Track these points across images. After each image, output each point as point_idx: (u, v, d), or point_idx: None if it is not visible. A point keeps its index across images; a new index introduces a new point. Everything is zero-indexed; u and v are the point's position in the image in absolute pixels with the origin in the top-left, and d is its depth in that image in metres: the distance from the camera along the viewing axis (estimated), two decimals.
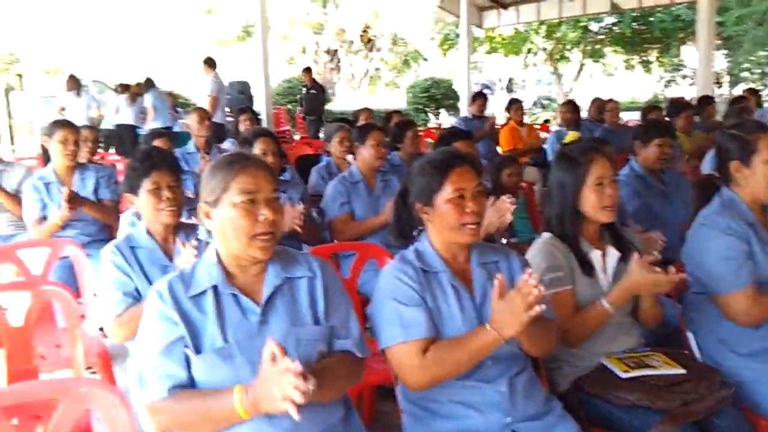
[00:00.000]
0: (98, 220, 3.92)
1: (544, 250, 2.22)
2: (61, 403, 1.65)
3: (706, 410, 1.98)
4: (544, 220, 2.37)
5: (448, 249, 1.94)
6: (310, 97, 11.72)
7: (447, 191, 1.87)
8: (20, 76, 15.19)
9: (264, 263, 1.70)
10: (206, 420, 1.53)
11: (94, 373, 2.96)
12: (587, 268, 2.21)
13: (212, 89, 9.26)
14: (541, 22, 16.96)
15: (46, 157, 4.47)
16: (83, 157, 4.45)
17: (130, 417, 1.68)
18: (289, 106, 14.65)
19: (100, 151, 6.45)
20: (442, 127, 13.55)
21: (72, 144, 3.88)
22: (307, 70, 12.27)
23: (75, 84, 10.08)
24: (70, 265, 3.30)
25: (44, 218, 3.76)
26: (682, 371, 2.08)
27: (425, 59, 23.07)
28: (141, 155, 2.49)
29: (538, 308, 1.62)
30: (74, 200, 3.60)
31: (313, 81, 11.93)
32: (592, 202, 2.19)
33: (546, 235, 2.28)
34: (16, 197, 4.13)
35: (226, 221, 1.62)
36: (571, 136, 5.94)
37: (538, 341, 1.87)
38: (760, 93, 12.59)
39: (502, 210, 2.64)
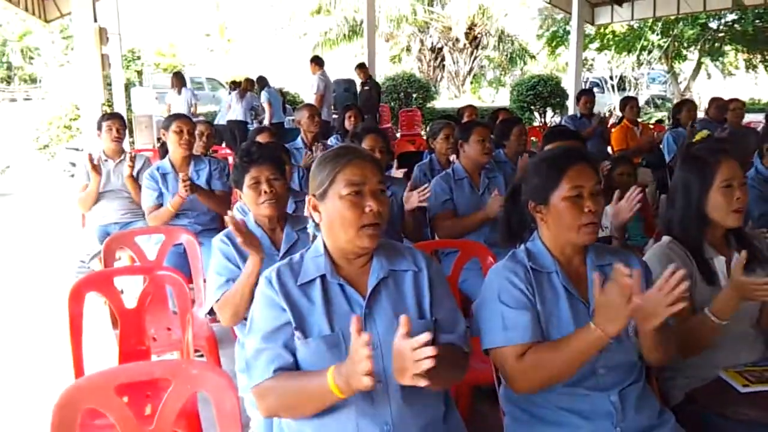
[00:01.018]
0: (210, 210, 4.08)
1: (661, 255, 2.10)
2: (172, 383, 1.71)
3: None
4: (664, 222, 2.23)
5: (562, 250, 1.86)
6: (364, 94, 11.01)
7: (564, 189, 1.80)
8: (139, 72, 16.11)
9: (369, 256, 1.70)
10: (307, 400, 1.54)
11: (201, 356, 3.08)
12: (710, 275, 2.06)
13: (319, 87, 9.51)
14: (657, 19, 16.20)
15: (163, 150, 4.70)
16: (198, 150, 4.64)
17: (236, 399, 1.72)
18: (393, 104, 14.73)
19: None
20: (547, 125, 13.24)
21: (187, 134, 4.07)
22: (361, 66, 11.40)
23: (177, 82, 10.65)
24: (183, 252, 3.45)
25: (160, 206, 3.95)
26: None
27: (532, 56, 22.61)
28: (242, 152, 2.58)
29: (680, 304, 1.53)
30: (192, 186, 3.77)
31: (368, 77, 11.26)
32: (720, 205, 2.05)
33: (665, 239, 2.15)
34: (138, 185, 4.38)
35: (333, 213, 1.64)
36: (701, 134, 5.61)
37: (661, 347, 1.75)
38: None
39: (629, 206, 2.63)
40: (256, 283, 1.98)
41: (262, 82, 11.10)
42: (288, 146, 4.77)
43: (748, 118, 11.01)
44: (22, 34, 32.34)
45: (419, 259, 1.75)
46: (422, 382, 1.35)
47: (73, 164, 7.04)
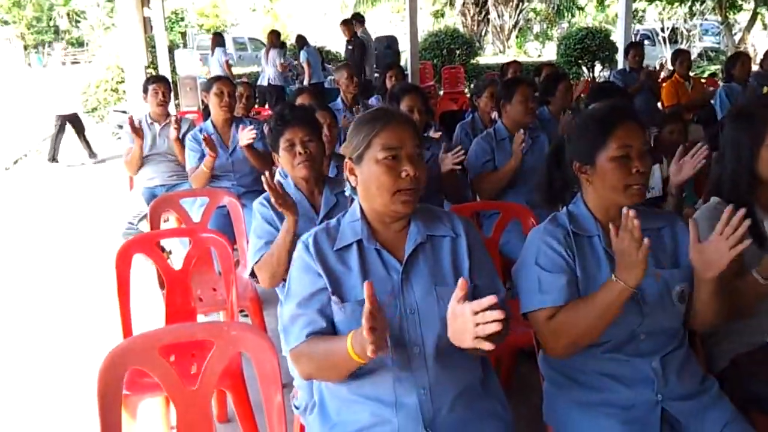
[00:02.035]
0: (252, 171, 4.11)
1: (710, 217, 2.02)
2: (214, 344, 1.75)
3: None
4: (713, 183, 2.15)
5: (606, 212, 1.82)
6: (348, 53, 10.35)
7: (611, 149, 1.74)
8: (183, 34, 16.19)
9: (407, 220, 1.69)
10: (334, 364, 1.54)
11: (246, 315, 3.14)
12: (760, 237, 1.99)
13: (356, 49, 9.40)
14: None
15: (206, 112, 4.75)
16: (239, 111, 4.67)
17: (276, 361, 1.76)
18: (435, 61, 14.49)
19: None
20: (596, 80, 12.86)
21: (227, 96, 4.09)
22: (346, 23, 10.60)
23: (213, 42, 10.63)
24: (227, 214, 3.50)
25: None
26: None
27: (580, 8, 21.91)
28: (276, 115, 2.58)
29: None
30: (212, 145, 3.82)
31: (354, 35, 10.46)
32: None
33: (714, 199, 2.07)
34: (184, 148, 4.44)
35: (369, 177, 1.62)
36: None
37: (716, 302, 1.72)
38: None
39: (693, 162, 2.55)
40: (293, 245, 2.01)
41: (301, 41, 11.01)
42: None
43: None
44: None
45: (457, 225, 1.73)
46: (486, 345, 1.33)
47: (120, 127, 7.17)
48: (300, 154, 2.46)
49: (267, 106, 9.70)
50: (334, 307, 1.61)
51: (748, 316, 1.94)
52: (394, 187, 1.59)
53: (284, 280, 1.86)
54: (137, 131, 4.48)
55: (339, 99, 5.07)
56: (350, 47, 10.10)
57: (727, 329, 2.00)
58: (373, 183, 1.62)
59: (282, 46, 10.72)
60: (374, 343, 1.32)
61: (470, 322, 1.33)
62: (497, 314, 1.30)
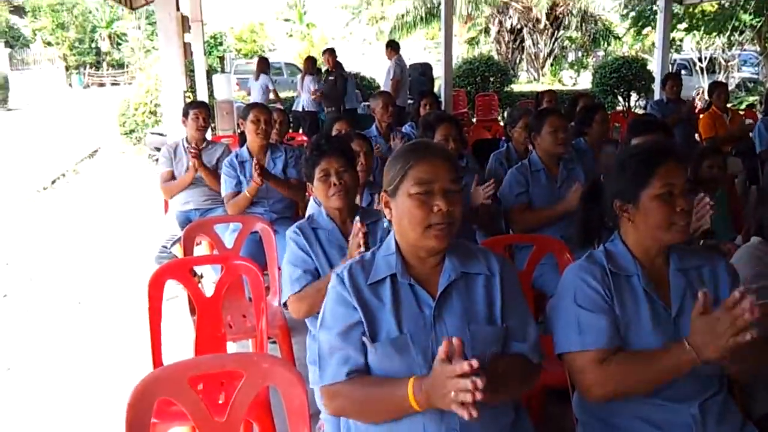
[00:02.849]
0: (285, 198, 4.15)
1: (752, 256, 1.98)
2: (244, 376, 1.74)
3: None
4: (756, 222, 2.09)
5: (646, 251, 1.78)
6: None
7: (655, 187, 1.71)
8: (221, 58, 16.51)
9: (442, 256, 1.67)
10: (381, 408, 1.54)
11: (274, 343, 3.14)
12: None
13: (395, 72, 9.45)
14: None
15: (242, 138, 4.81)
16: (273, 137, 4.71)
17: (305, 396, 1.74)
18: (469, 88, 14.52)
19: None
20: (633, 111, 12.74)
21: (264, 124, 4.14)
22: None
23: (258, 67, 10.76)
24: (259, 240, 3.52)
25: (238, 193, 4.04)
26: None
27: (617, 37, 21.80)
28: (313, 145, 2.60)
29: (749, 335, 1.40)
30: (264, 173, 3.82)
31: (336, 65, 10.16)
32: None
33: (755, 239, 2.03)
34: (215, 173, 4.49)
35: (402, 211, 1.62)
36: None
37: (747, 365, 1.66)
38: None
39: (700, 213, 2.39)
40: None
41: (337, 67, 11.13)
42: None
43: None
44: (109, 20, 33.77)
45: (493, 263, 1.70)
46: (465, 414, 1.29)
47: (158, 149, 7.29)
48: (335, 184, 2.47)
49: (301, 132, 9.79)
50: (367, 345, 1.59)
51: None
52: (425, 221, 1.57)
53: (317, 312, 1.85)
54: (201, 164, 4.46)
55: (374, 126, 5.09)
56: (331, 78, 9.95)
57: (765, 377, 1.93)
58: (405, 216, 1.61)
59: (317, 72, 10.83)
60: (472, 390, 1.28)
61: (450, 386, 1.31)
62: (470, 384, 1.27)
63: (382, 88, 9.73)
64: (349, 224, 2.50)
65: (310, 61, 10.89)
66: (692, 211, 1.73)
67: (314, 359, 2.32)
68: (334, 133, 4.21)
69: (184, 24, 6.76)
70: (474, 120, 11.56)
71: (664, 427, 1.70)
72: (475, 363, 1.29)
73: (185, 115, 4.79)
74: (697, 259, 1.82)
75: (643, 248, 1.78)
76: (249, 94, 11.14)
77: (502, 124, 8.63)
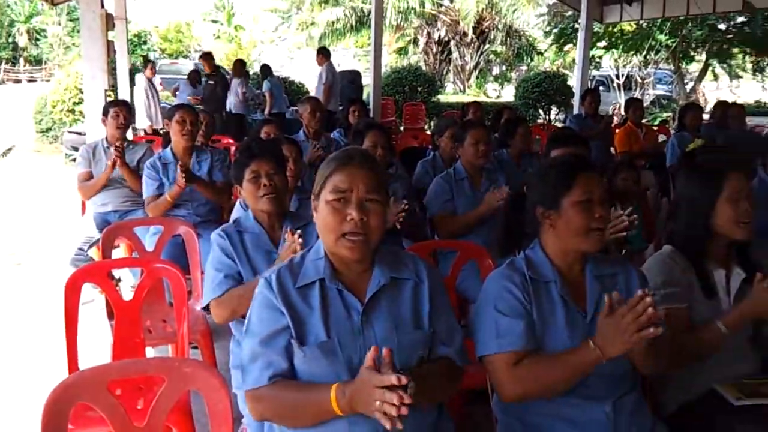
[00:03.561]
0: (210, 201, 4.07)
1: (662, 264, 2.09)
2: (165, 381, 1.71)
3: None
4: (668, 233, 2.22)
5: (564, 258, 1.86)
6: (208, 88, 9.93)
7: (576, 194, 1.80)
8: (145, 57, 16.04)
9: (370, 261, 1.68)
10: (303, 412, 1.54)
11: (195, 348, 3.07)
12: (709, 287, 2.05)
13: (327, 78, 9.44)
14: (666, 19, 16.11)
15: (166, 140, 4.69)
16: (199, 139, 4.63)
17: (229, 400, 1.72)
18: (397, 97, 14.68)
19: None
20: (553, 124, 13.18)
21: (189, 125, 4.05)
22: (206, 56, 10.29)
23: (234, 70, 10.51)
24: (181, 243, 3.44)
25: (160, 196, 3.93)
26: None
27: (539, 53, 22.51)
28: (243, 147, 2.58)
29: (651, 329, 1.51)
30: (189, 176, 3.75)
31: (215, 69, 10.08)
32: (728, 218, 2.03)
33: (667, 248, 2.14)
34: (136, 174, 4.36)
35: (320, 217, 1.63)
36: (695, 143, 5.59)
37: (653, 361, 1.76)
38: None
39: (620, 226, 2.53)
40: None
41: (265, 70, 11.05)
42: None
43: (754, 121, 10.97)
44: (28, 15, 32.32)
45: (421, 269, 1.73)
46: (388, 425, 1.33)
47: (75, 148, 7.03)
48: (265, 186, 2.45)
49: (227, 135, 9.65)
50: (294, 349, 1.59)
51: (698, 362, 2.00)
52: (339, 230, 1.59)
53: (242, 316, 1.83)
54: (123, 163, 4.30)
55: (301, 131, 5.07)
56: (211, 82, 9.81)
57: (675, 376, 2.04)
58: (322, 223, 1.62)
59: (246, 75, 10.71)
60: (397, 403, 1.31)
61: (376, 395, 1.34)
62: (396, 398, 1.30)
63: (313, 94, 9.70)
64: (277, 229, 2.49)
65: (239, 63, 10.76)
66: (609, 220, 1.82)
67: (238, 364, 2.31)
68: (261, 136, 4.17)
69: (108, 22, 6.57)
70: (402, 128, 11.68)
71: (580, 425, 1.77)
72: (403, 379, 1.31)
73: (105, 113, 4.64)
74: (612, 266, 1.91)
75: (562, 255, 1.86)
76: (174, 94, 10.85)
77: (429, 133, 8.75)
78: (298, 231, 2.19)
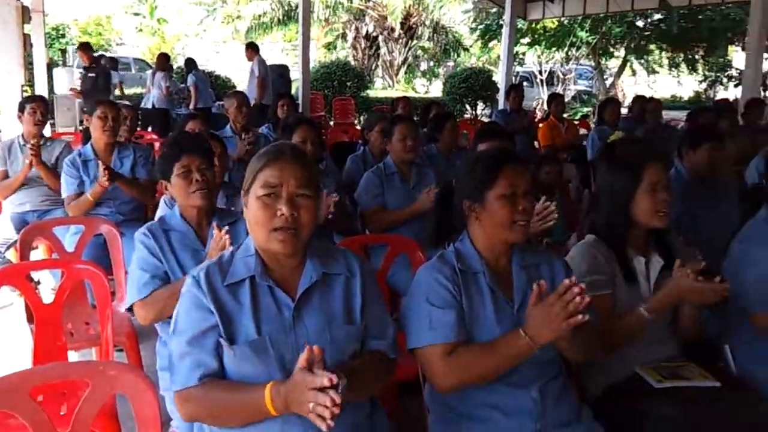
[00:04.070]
0: (133, 199, 3.95)
1: (585, 253, 2.16)
2: (90, 385, 1.66)
3: (741, 425, 1.93)
4: (589, 223, 2.30)
5: (491, 249, 1.90)
6: (89, 80, 9.37)
7: (500, 187, 1.83)
8: (63, 51, 15.40)
9: (302, 257, 1.67)
10: (236, 412, 1.52)
11: (120, 350, 2.99)
12: (630, 275, 2.15)
13: (260, 71, 9.29)
14: (587, 16, 16.66)
15: (86, 135, 4.52)
16: (122, 135, 4.49)
17: (157, 403, 1.68)
18: (326, 92, 14.63)
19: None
20: (479, 119, 13.43)
21: (111, 121, 3.92)
22: (83, 47, 9.75)
23: (158, 63, 10.18)
24: (104, 243, 3.33)
25: (81, 194, 3.79)
26: (717, 384, 2.03)
27: (465, 49, 22.86)
28: (171, 141, 2.51)
29: (579, 317, 1.56)
30: (112, 174, 3.63)
31: (94, 60, 9.57)
32: (646, 208, 2.13)
33: (590, 237, 2.22)
34: (54, 172, 4.19)
35: (250, 213, 1.61)
36: (615, 135, 5.81)
37: (580, 347, 1.82)
38: None
39: (545, 215, 2.60)
40: None
41: (190, 64, 10.81)
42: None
43: (671, 115, 11.49)
44: None
45: (352, 263, 1.73)
46: (322, 426, 1.33)
47: None
48: (197, 181, 2.37)
49: (150, 130, 9.38)
50: (224, 348, 1.56)
51: (622, 347, 2.07)
52: (269, 225, 1.57)
53: (169, 317, 1.79)
54: (37, 155, 4.11)
55: (228, 127, 4.98)
56: (92, 74, 9.40)
57: (599, 361, 2.11)
58: (252, 219, 1.60)
59: (170, 69, 10.45)
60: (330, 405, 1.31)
61: (310, 396, 1.34)
62: (329, 400, 1.31)
63: (244, 88, 9.55)
64: (205, 227, 2.43)
65: (163, 57, 10.49)
66: (533, 212, 1.88)
67: (165, 365, 2.26)
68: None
69: (24, 14, 6.30)
70: (332, 123, 11.66)
71: (508, 411, 1.82)
72: (335, 378, 1.32)
73: (21, 110, 4.43)
74: (537, 257, 1.97)
75: (489, 247, 1.90)
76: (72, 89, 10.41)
77: (359, 127, 8.77)
78: (226, 227, 2.16)
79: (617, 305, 2.11)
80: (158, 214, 2.95)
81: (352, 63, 18.96)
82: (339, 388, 1.33)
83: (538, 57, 19.62)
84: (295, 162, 1.61)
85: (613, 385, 2.13)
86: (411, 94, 18.11)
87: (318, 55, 21.79)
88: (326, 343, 1.55)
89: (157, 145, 5.84)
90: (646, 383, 2.05)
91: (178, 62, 14.94)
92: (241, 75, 12.79)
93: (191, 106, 10.08)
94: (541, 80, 18.88)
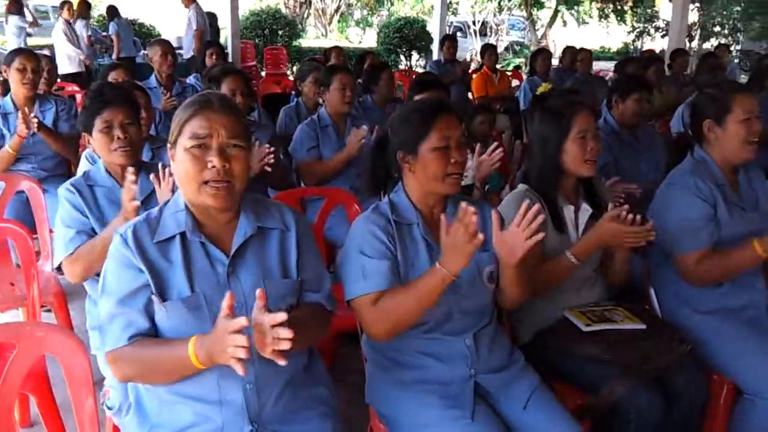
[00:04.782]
0: (56, 154, 3.78)
1: (517, 201, 2.19)
2: (17, 347, 1.61)
3: (664, 366, 2.03)
4: (522, 173, 2.34)
5: (425, 201, 1.91)
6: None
7: (433, 140, 1.83)
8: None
9: (236, 211, 1.63)
10: (164, 369, 1.50)
11: (48, 311, 2.90)
12: (559, 222, 2.20)
13: (198, 22, 8.90)
14: None
15: (4, 88, 4.26)
16: (41, 87, 4.25)
17: (88, 363, 1.65)
18: (257, 41, 14.22)
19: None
20: (414, 69, 13.37)
21: (31, 72, 3.72)
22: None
23: (8, 8, 9.51)
24: (26, 201, 3.20)
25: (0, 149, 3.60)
26: (643, 327, 2.12)
27: None
28: (93, 92, 2.37)
29: (480, 236, 1.59)
30: (39, 124, 3.45)
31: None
32: (575, 156, 2.18)
33: (522, 186, 2.26)
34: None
35: (178, 166, 1.56)
36: (543, 87, 5.88)
37: (521, 284, 1.88)
38: (731, 48, 12.61)
39: (490, 161, 2.76)
40: None
41: (112, 12, 10.28)
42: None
43: (599, 66, 11.71)
44: None
45: (287, 217, 1.70)
46: (281, 361, 1.34)
47: None
48: (119, 138, 2.26)
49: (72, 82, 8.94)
50: (156, 306, 1.53)
51: (550, 289, 2.16)
52: (200, 178, 1.52)
53: (97, 274, 1.73)
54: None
55: (153, 77, 4.79)
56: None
57: (529, 306, 2.17)
58: (181, 172, 1.55)
59: (89, 18, 9.93)
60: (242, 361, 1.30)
61: (268, 335, 1.34)
62: (287, 333, 1.31)
63: (184, 40, 9.15)
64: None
65: (84, 4, 9.92)
66: (465, 164, 1.88)
67: (95, 324, 2.20)
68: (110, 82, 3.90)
69: None
70: (263, 74, 11.37)
71: (443, 357, 1.87)
72: (243, 320, 1.29)
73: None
74: (470, 206, 1.99)
75: (423, 198, 1.91)
76: None
77: (291, 78, 8.58)
78: (132, 171, 2.06)
79: (547, 252, 2.16)
80: (80, 169, 2.84)
81: (284, 11, 18.45)
82: (288, 322, 1.33)
83: (472, 7, 19.58)
84: (223, 111, 1.55)
85: (543, 329, 2.20)
86: (345, 44, 17.82)
87: (247, 3, 21.10)
88: None
89: (79, 97, 5.57)
90: (575, 327, 2.13)
91: (99, 10, 14.21)
92: (167, 24, 12.25)
93: (114, 56, 9.64)
94: (475, 31, 18.90)
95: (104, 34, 10.73)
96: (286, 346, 1.32)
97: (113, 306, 1.53)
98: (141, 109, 2.86)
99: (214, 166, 1.51)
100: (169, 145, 1.60)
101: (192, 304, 1.53)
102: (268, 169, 2.95)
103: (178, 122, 1.56)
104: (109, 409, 2.00)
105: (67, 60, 8.73)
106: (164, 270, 1.55)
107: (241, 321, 1.29)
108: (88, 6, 10.09)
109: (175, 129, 1.56)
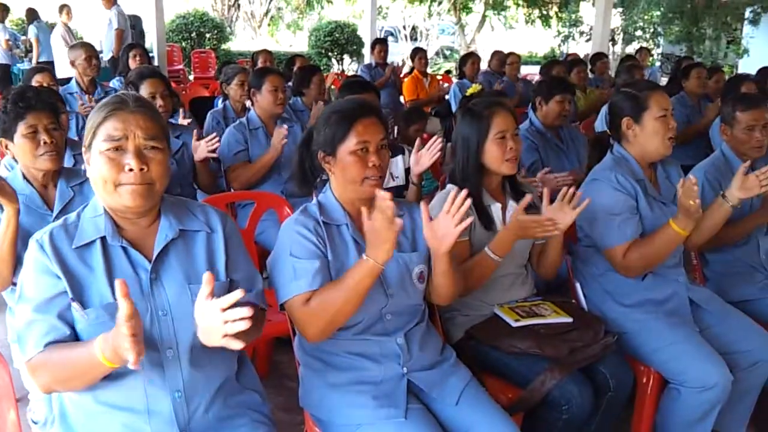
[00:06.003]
0: None
1: (444, 201, 2.22)
2: None
3: (591, 357, 2.09)
4: (449, 172, 2.37)
5: (352, 201, 1.90)
6: None
7: (351, 143, 1.82)
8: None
9: (155, 214, 1.59)
10: (78, 371, 1.43)
11: None
12: (487, 220, 2.24)
13: (119, 22, 8.64)
14: None
15: None
16: None
17: (8, 375, 1.58)
18: (184, 44, 13.91)
19: None
20: (345, 73, 13.37)
21: None
22: None
23: None
24: None
25: None
26: (569, 320, 2.18)
27: (330, 2, 22.52)
28: (15, 96, 2.28)
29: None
30: None
31: None
32: (495, 155, 2.22)
33: (450, 186, 2.29)
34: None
35: (94, 169, 1.50)
36: (473, 88, 5.99)
37: (452, 276, 1.90)
38: (652, 52, 13.12)
39: (430, 154, 2.84)
40: (15, 242, 1.87)
41: (32, 15, 9.89)
42: (61, 90, 4.31)
43: (526, 70, 11.97)
44: None
45: (213, 219, 1.67)
46: (235, 345, 1.31)
47: None
48: (45, 143, 2.19)
49: None
50: (75, 313, 1.47)
51: (478, 287, 2.19)
52: (116, 180, 1.47)
53: (14, 284, 1.66)
54: None
55: (73, 81, 4.61)
56: None
57: (460, 304, 2.22)
58: (96, 175, 1.50)
59: (3, 19, 9.52)
60: (137, 351, 1.24)
61: (218, 320, 1.30)
62: (245, 311, 1.28)
63: (99, 41, 8.86)
64: (51, 188, 2.28)
65: (1, 7, 9.51)
66: (385, 167, 1.87)
67: (16, 338, 2.11)
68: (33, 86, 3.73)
69: None
70: (191, 77, 11.14)
71: (375, 358, 1.87)
72: (126, 305, 1.25)
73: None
74: (399, 208, 1.98)
75: (348, 198, 1.90)
76: None
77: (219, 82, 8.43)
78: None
79: (475, 250, 2.20)
80: None
81: (212, 14, 18.12)
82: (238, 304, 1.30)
83: (402, 11, 19.72)
84: (139, 112, 1.51)
85: (474, 326, 2.23)
86: (275, 47, 17.67)
87: (173, 6, 20.63)
88: (189, 302, 1.49)
89: None
90: (505, 323, 2.17)
91: (18, 13, 13.63)
92: (89, 26, 11.83)
93: (34, 60, 9.28)
94: (405, 35, 19.05)
95: (23, 37, 10.30)
96: (243, 326, 1.28)
97: (30, 313, 1.46)
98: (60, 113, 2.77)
99: (131, 169, 1.47)
100: (84, 149, 1.54)
101: (114, 311, 1.46)
102: (214, 155, 3.11)
103: (92, 125, 1.51)
104: (35, 423, 1.92)
105: None
106: (84, 276, 1.50)
107: (127, 307, 1.25)
108: (6, 9, 9.68)
109: (89, 132, 1.51)
